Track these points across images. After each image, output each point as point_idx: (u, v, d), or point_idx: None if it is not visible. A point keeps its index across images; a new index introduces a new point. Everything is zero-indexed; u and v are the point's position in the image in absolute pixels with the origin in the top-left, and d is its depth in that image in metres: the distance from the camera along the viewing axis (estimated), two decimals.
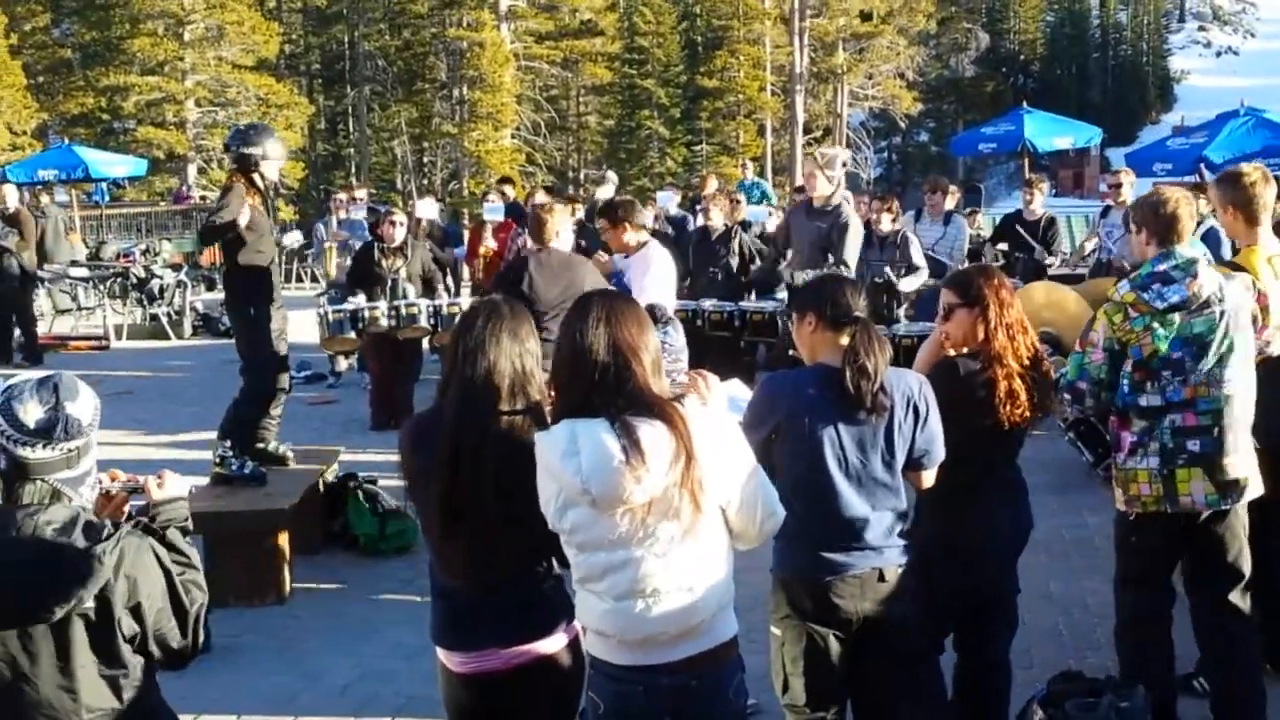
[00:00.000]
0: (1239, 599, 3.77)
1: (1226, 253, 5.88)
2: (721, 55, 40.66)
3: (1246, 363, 3.66)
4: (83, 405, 2.40)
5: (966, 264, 8.99)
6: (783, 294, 9.58)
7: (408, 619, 4.95)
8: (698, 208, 10.70)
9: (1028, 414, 3.41)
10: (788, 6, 38.30)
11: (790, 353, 5.86)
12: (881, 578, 3.11)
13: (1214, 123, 13.61)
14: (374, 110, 39.82)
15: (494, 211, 10.25)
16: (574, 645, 2.73)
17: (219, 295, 6.63)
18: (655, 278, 5.90)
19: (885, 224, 8.50)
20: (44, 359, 11.58)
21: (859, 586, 3.09)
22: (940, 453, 3.17)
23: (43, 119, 32.34)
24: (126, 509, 2.62)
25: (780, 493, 2.64)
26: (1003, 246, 9.59)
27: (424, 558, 2.86)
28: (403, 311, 7.90)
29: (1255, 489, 3.69)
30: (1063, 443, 6.96)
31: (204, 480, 5.74)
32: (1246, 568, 3.76)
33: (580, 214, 10.71)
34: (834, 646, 3.13)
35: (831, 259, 7.00)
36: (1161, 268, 3.58)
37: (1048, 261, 9.23)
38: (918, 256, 8.42)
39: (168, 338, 13.46)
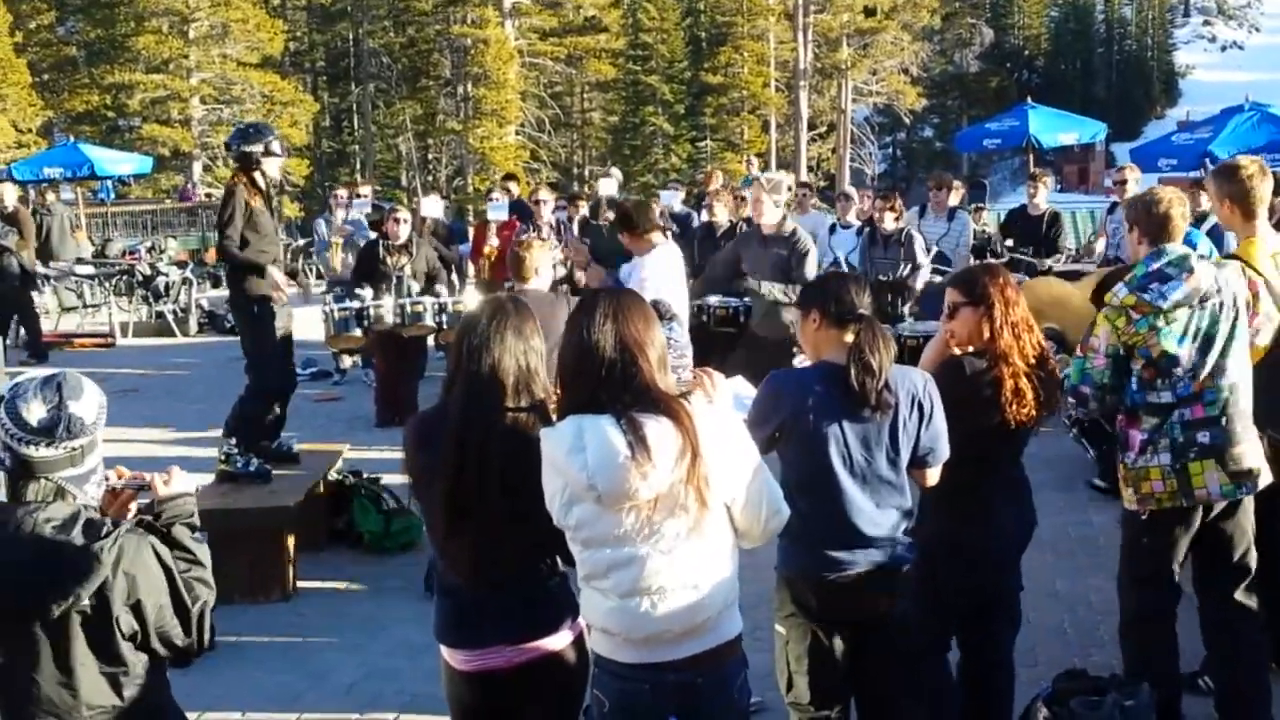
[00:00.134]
0: (1245, 596, 3.76)
1: (1231, 247, 5.86)
2: (726, 51, 40.66)
3: (1245, 350, 3.68)
4: (87, 404, 2.41)
5: (972, 260, 8.98)
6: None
7: (412, 616, 4.96)
8: (703, 204, 10.69)
9: (1034, 413, 3.40)
10: (792, 2, 38.28)
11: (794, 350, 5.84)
12: (886, 576, 3.11)
13: (1219, 118, 13.59)
14: (378, 107, 39.83)
15: (498, 209, 10.25)
16: (579, 643, 2.73)
17: (224, 292, 6.66)
18: (654, 274, 5.80)
19: (889, 222, 8.47)
20: (49, 356, 11.60)
21: (863, 585, 3.09)
22: (945, 450, 3.17)
23: (48, 117, 32.41)
24: (133, 506, 2.63)
25: (785, 491, 2.64)
26: (1008, 242, 9.58)
27: (429, 555, 2.86)
28: (408, 309, 7.90)
29: (1265, 478, 3.69)
30: (1067, 440, 6.95)
31: (209, 478, 5.75)
32: (1253, 565, 3.77)
33: (584, 211, 10.71)
34: (838, 645, 3.13)
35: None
36: (1155, 266, 3.57)
37: (1044, 265, 9.19)
38: (922, 255, 8.39)
39: (173, 335, 13.48)
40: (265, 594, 5.37)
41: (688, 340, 4.89)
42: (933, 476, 3.21)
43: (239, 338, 6.26)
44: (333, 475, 6.32)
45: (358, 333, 8.00)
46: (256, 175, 5.85)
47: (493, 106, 34.54)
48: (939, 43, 52.60)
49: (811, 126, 39.72)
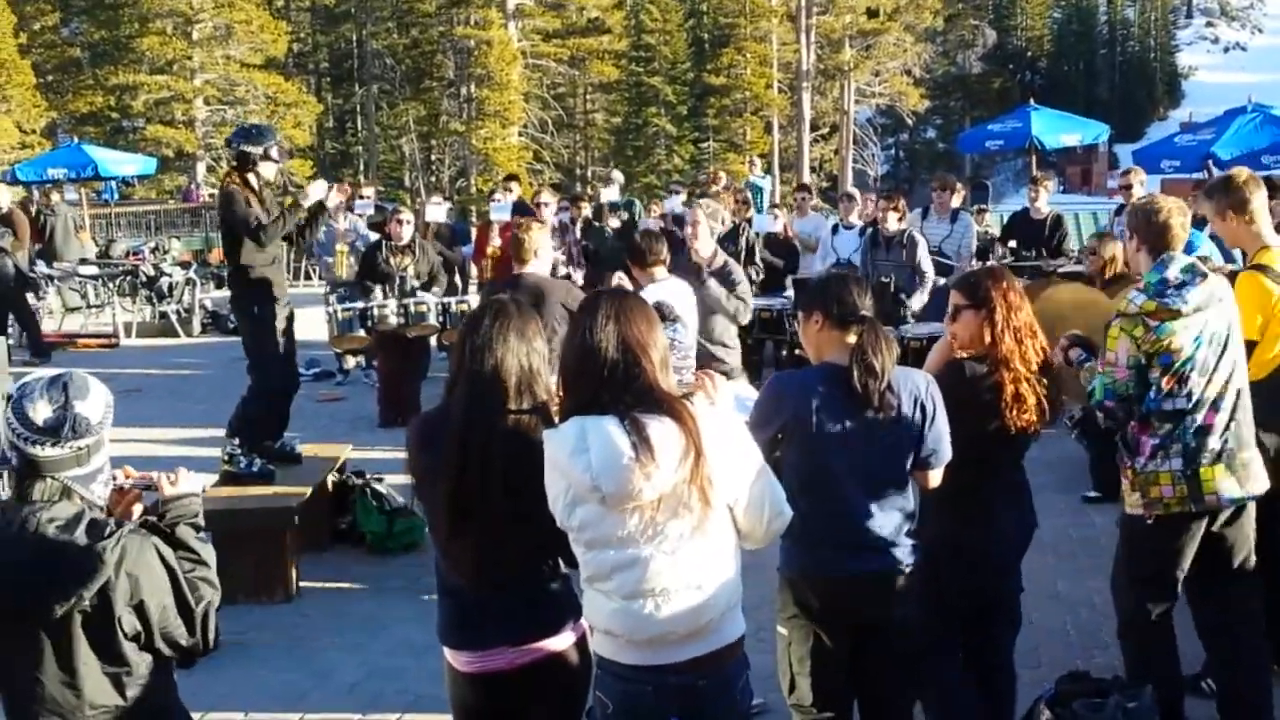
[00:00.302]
0: (1246, 601, 3.76)
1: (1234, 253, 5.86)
2: (728, 52, 40.67)
3: (1244, 356, 3.69)
4: (93, 404, 2.42)
5: (974, 262, 8.98)
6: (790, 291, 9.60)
7: (415, 617, 4.96)
8: None
9: (1034, 419, 3.39)
10: (794, 4, 38.25)
11: (797, 351, 5.80)
12: (888, 578, 3.11)
13: (1222, 119, 13.56)
14: (382, 108, 39.87)
15: (500, 211, 10.26)
16: (581, 644, 2.74)
17: (228, 293, 6.66)
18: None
19: (892, 223, 8.47)
20: (51, 355, 11.62)
21: (866, 586, 3.09)
22: (947, 452, 3.17)
23: (52, 118, 32.48)
24: (139, 506, 2.64)
25: (787, 492, 2.64)
26: (1012, 244, 9.57)
27: (431, 555, 2.87)
28: (412, 310, 7.92)
29: (1265, 483, 3.69)
30: (1069, 442, 6.93)
31: (213, 478, 5.76)
32: (1253, 569, 3.77)
33: (587, 212, 10.72)
34: (841, 646, 3.13)
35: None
36: (1170, 273, 3.57)
37: (1051, 266, 9.17)
38: (924, 258, 8.39)
39: (177, 335, 13.50)
40: (268, 594, 5.38)
41: (692, 342, 4.88)
42: (935, 478, 3.21)
43: (241, 338, 6.26)
44: (335, 476, 6.33)
45: (361, 333, 8.02)
46: (251, 175, 5.86)
47: (496, 108, 34.56)
48: (942, 44, 52.58)
49: (814, 128, 39.69)
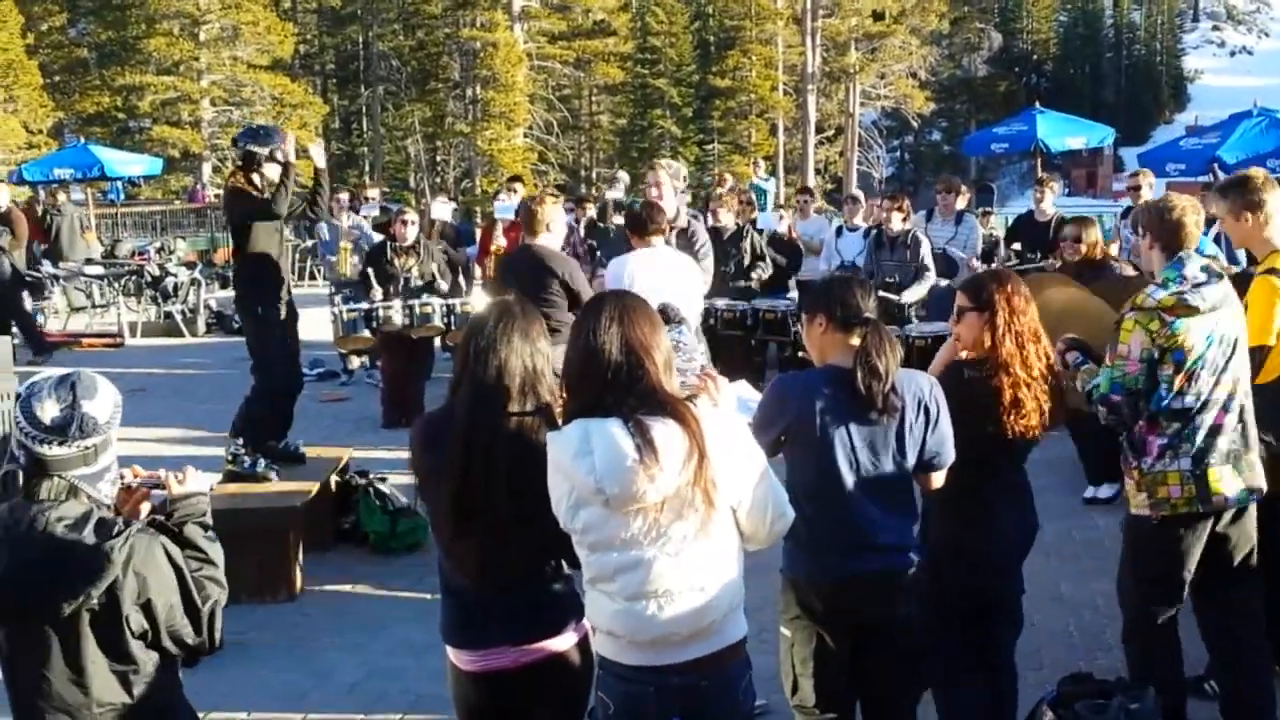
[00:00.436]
0: (1248, 602, 3.76)
1: (1239, 253, 5.86)
2: (734, 55, 40.68)
3: (1248, 357, 3.69)
4: (100, 403, 2.43)
5: (980, 263, 8.97)
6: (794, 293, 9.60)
7: (417, 617, 4.97)
8: (708, 209, 10.70)
9: (1034, 424, 3.38)
10: (800, 6, 38.22)
11: (800, 353, 5.79)
12: (891, 577, 3.11)
13: (1227, 123, 13.57)
14: (388, 110, 39.94)
15: (505, 210, 10.27)
16: (583, 644, 2.74)
17: (232, 293, 6.69)
18: (640, 268, 5.42)
19: (896, 224, 8.48)
20: (53, 353, 11.64)
21: (868, 586, 3.10)
22: (951, 455, 3.17)
23: (59, 118, 32.56)
24: (147, 505, 2.65)
25: (790, 494, 2.64)
26: (1016, 247, 9.55)
27: (434, 556, 2.87)
28: (417, 310, 7.93)
29: (1264, 482, 3.70)
30: (1070, 444, 6.93)
31: (217, 477, 5.77)
32: (1255, 569, 3.77)
33: (592, 213, 10.72)
34: (843, 647, 3.13)
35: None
36: (1188, 270, 3.57)
37: (1050, 267, 9.14)
38: (928, 258, 8.39)
39: (182, 335, 13.53)
40: (272, 594, 5.38)
41: (694, 342, 4.87)
42: (938, 480, 3.21)
43: (245, 338, 6.28)
44: (339, 476, 6.34)
45: (366, 334, 8.03)
46: (255, 175, 5.87)
47: (501, 109, 34.61)
48: (947, 47, 52.54)
49: (819, 130, 39.67)
